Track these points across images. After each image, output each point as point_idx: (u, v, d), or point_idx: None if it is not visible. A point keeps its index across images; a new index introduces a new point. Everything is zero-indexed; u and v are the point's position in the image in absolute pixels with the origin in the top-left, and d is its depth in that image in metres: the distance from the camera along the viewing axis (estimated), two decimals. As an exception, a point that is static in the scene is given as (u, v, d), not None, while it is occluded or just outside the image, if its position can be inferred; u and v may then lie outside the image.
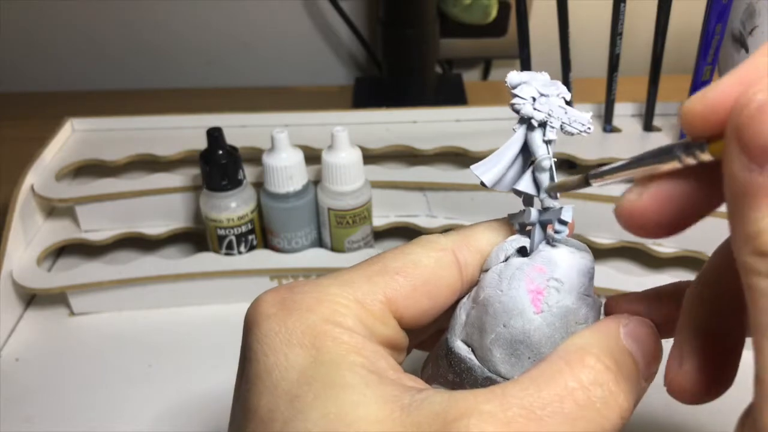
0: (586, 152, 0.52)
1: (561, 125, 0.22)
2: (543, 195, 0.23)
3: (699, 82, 0.51)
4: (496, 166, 0.23)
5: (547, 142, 0.23)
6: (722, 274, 0.20)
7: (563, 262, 0.22)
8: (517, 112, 0.23)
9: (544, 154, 0.23)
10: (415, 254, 0.23)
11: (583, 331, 0.21)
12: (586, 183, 0.21)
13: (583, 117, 0.22)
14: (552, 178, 0.23)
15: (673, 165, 0.18)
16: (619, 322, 0.21)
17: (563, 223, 0.23)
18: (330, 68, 0.80)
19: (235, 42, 0.78)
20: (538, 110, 0.22)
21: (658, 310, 0.23)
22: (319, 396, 0.19)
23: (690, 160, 0.17)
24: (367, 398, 0.18)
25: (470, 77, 0.80)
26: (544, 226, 0.23)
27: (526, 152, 0.24)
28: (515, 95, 0.23)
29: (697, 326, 0.20)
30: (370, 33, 0.76)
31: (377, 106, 0.59)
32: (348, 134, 0.47)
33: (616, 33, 0.50)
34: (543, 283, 0.22)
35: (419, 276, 0.23)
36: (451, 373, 0.24)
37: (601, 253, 0.50)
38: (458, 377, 0.23)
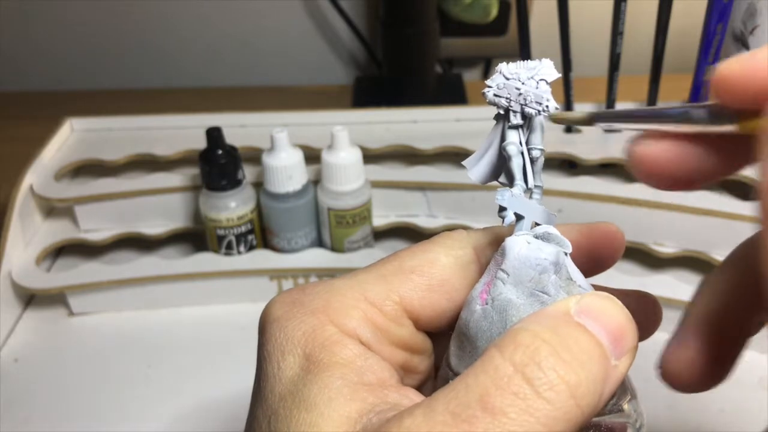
0: (586, 152, 0.52)
1: (521, 109, 0.21)
2: (517, 185, 0.21)
3: (700, 82, 0.51)
4: (481, 159, 0.23)
5: (516, 128, 0.22)
6: (744, 269, 0.19)
7: (511, 252, 0.20)
8: (491, 103, 0.22)
9: (507, 141, 0.22)
10: (433, 252, 0.22)
11: (523, 318, 0.18)
12: (590, 122, 0.20)
13: (541, 96, 0.21)
14: (524, 166, 0.22)
15: (691, 128, 0.16)
16: (568, 300, 0.18)
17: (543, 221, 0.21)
18: (330, 68, 0.80)
19: (235, 41, 0.78)
20: (498, 96, 0.22)
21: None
22: (288, 415, 0.18)
23: (713, 128, 0.16)
24: (324, 419, 0.18)
25: (470, 77, 0.80)
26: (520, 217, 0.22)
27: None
28: (486, 85, 0.22)
29: (707, 313, 0.19)
30: (370, 32, 0.76)
31: (377, 106, 0.59)
32: (348, 134, 0.47)
33: (617, 32, 0.50)
34: (494, 274, 0.20)
35: (436, 276, 0.22)
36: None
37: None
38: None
